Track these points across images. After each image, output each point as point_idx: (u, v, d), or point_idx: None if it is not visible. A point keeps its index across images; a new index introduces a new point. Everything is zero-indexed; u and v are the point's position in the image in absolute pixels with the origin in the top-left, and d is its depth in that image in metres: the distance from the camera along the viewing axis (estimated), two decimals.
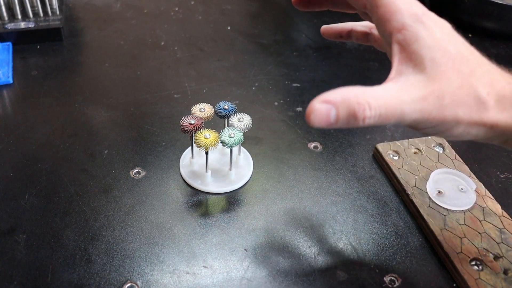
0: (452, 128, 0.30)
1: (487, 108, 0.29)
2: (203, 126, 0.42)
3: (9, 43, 0.63)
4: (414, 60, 0.29)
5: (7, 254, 0.38)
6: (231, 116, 0.43)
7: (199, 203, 0.43)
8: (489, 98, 0.29)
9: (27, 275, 0.36)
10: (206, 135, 0.41)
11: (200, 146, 0.40)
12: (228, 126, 0.43)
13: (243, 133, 0.42)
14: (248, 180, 0.46)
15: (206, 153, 0.42)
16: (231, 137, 0.40)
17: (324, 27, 0.40)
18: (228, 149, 0.43)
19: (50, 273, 0.36)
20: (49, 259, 0.37)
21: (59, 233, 0.40)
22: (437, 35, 0.30)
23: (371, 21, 0.34)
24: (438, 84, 0.29)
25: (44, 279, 0.36)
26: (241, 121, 0.42)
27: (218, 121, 0.45)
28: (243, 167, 0.46)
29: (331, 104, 0.28)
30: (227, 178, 0.45)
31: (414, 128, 0.31)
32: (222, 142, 0.41)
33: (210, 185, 0.44)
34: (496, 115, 0.29)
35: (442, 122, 0.29)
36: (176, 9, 0.76)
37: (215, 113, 0.44)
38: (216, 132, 0.41)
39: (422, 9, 0.31)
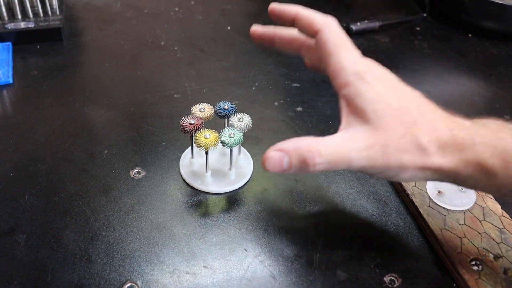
0: (400, 173, 0.32)
1: (429, 154, 0.31)
2: (203, 126, 0.42)
3: (9, 43, 0.63)
4: (359, 113, 0.32)
5: (7, 254, 0.38)
6: (231, 116, 0.43)
7: (199, 203, 0.43)
8: (430, 145, 0.31)
9: (27, 275, 0.36)
10: (206, 135, 0.41)
11: (200, 146, 0.40)
12: (228, 126, 0.43)
13: (243, 133, 0.42)
14: (248, 180, 0.46)
15: (206, 153, 0.42)
16: (231, 137, 0.40)
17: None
18: (228, 149, 0.43)
19: (50, 273, 0.36)
20: (49, 259, 0.37)
21: (59, 233, 0.40)
22: (379, 89, 0.32)
23: None
24: (383, 134, 0.31)
25: (44, 279, 0.36)
26: (241, 121, 0.42)
27: (218, 121, 0.45)
28: (243, 167, 0.46)
29: (284, 152, 0.32)
30: (227, 178, 0.45)
31: (364, 173, 0.33)
32: (222, 142, 0.41)
33: (210, 185, 0.44)
34: (439, 160, 0.31)
35: (388, 168, 0.32)
36: (176, 9, 0.76)
37: (215, 113, 0.44)
38: (216, 132, 0.41)
39: (365, 67, 0.34)
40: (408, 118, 0.32)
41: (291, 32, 0.40)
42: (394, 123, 0.32)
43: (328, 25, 0.35)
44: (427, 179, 0.34)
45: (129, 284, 0.36)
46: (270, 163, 0.33)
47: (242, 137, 0.41)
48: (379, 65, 0.35)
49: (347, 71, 0.33)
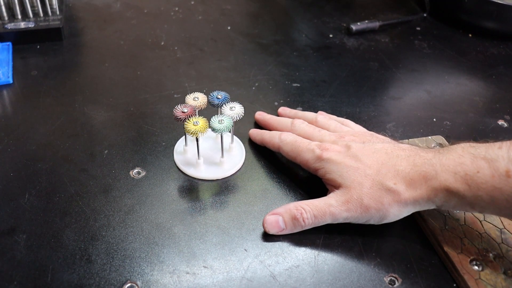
0: (385, 215, 0.38)
1: (400, 193, 0.37)
2: (195, 115, 0.42)
3: (9, 43, 0.63)
4: (332, 183, 0.40)
5: (7, 254, 0.38)
6: (224, 105, 0.44)
7: (199, 202, 0.43)
8: (397, 186, 0.37)
9: (27, 275, 0.36)
10: (196, 122, 0.41)
11: (190, 132, 0.41)
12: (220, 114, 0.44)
13: (235, 121, 0.43)
14: (240, 168, 0.46)
15: (197, 139, 0.43)
16: (221, 123, 0.41)
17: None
18: (225, 140, 0.44)
19: (50, 273, 0.36)
20: (49, 259, 0.37)
21: (59, 233, 0.39)
22: (338, 160, 0.40)
23: None
24: (354, 189, 0.38)
25: (44, 279, 0.36)
26: (233, 110, 0.43)
27: (214, 111, 0.45)
28: (235, 156, 0.48)
29: (277, 214, 0.39)
30: (219, 166, 0.46)
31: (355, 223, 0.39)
32: (212, 128, 0.41)
33: (203, 172, 0.45)
34: (411, 194, 0.37)
35: (371, 216, 0.38)
36: (176, 9, 0.76)
37: (209, 102, 0.45)
38: (206, 119, 0.42)
39: (320, 150, 0.41)
40: (370, 171, 0.38)
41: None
42: (359, 178, 0.38)
43: (282, 143, 0.45)
44: (411, 211, 0.38)
45: (129, 284, 0.36)
46: (269, 224, 0.39)
47: (231, 123, 0.42)
48: (333, 134, 0.44)
49: (310, 161, 0.42)
